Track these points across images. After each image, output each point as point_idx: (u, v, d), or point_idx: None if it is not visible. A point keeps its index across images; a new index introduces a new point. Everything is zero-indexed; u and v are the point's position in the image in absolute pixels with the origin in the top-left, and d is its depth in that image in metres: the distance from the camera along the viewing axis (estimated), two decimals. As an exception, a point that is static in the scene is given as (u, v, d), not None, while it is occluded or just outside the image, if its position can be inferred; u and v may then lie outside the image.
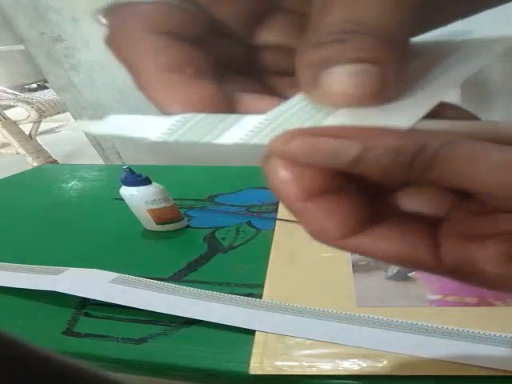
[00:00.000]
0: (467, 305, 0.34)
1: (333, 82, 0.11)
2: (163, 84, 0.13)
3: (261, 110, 0.13)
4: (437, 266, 0.12)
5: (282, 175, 0.12)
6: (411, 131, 0.11)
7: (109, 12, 0.14)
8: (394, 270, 0.39)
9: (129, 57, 0.14)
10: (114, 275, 0.40)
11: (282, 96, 0.15)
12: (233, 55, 0.16)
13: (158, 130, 0.13)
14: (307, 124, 0.12)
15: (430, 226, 0.12)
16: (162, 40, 0.13)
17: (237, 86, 0.15)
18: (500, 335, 0.30)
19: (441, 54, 0.13)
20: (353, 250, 0.12)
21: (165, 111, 0.13)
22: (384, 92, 0.11)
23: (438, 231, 0.12)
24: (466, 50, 0.13)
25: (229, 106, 0.14)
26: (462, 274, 0.12)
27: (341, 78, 0.11)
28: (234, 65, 0.16)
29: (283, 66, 0.16)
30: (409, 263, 0.12)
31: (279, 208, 0.53)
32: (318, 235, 0.12)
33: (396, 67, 0.11)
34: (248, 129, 0.12)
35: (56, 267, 0.42)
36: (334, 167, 0.11)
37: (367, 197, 0.13)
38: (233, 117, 0.13)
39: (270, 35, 0.15)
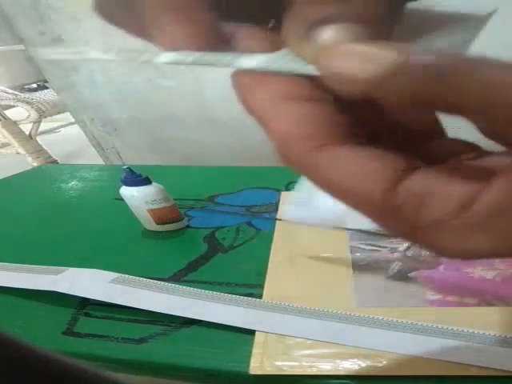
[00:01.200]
0: (467, 305, 0.34)
1: (325, 39, 0.11)
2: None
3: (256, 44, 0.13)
4: (386, 195, 0.10)
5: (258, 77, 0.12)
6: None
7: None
8: (394, 269, 0.39)
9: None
10: (114, 275, 0.40)
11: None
12: None
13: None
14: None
15: (405, 154, 0.11)
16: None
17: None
18: (500, 335, 0.30)
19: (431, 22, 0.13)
20: (315, 167, 0.11)
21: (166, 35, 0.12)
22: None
23: (412, 163, 0.11)
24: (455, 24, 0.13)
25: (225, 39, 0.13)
26: (400, 213, 0.10)
27: (332, 36, 0.11)
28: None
29: None
30: (361, 185, 0.11)
31: (279, 208, 0.53)
32: (284, 143, 0.11)
33: (386, 28, 0.11)
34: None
35: (56, 267, 0.42)
36: (366, 81, 0.10)
37: (345, 114, 0.12)
38: None
39: None
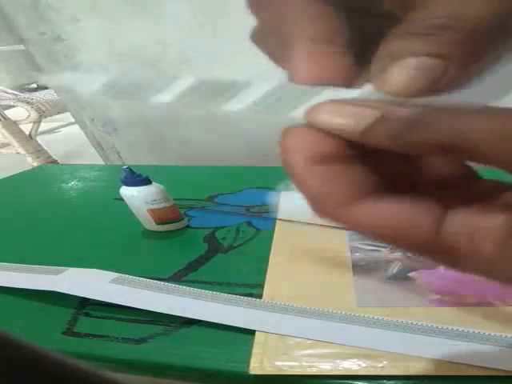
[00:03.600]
0: (467, 305, 0.34)
1: (396, 73, 0.12)
2: (311, 55, 0.13)
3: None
4: (434, 239, 0.11)
5: (296, 138, 0.12)
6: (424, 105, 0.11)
7: None
8: (393, 269, 0.39)
9: (272, 16, 0.14)
10: (114, 275, 0.40)
11: None
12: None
13: None
14: None
15: (437, 197, 0.12)
16: (315, 4, 0.13)
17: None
18: (500, 335, 0.30)
19: None
20: (351, 221, 0.12)
21: (299, 81, 0.13)
22: (441, 87, 0.12)
23: (446, 203, 0.12)
24: None
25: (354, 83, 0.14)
26: (457, 252, 0.11)
27: (404, 70, 0.11)
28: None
29: None
30: (406, 233, 0.11)
31: (279, 208, 0.53)
32: (319, 200, 0.12)
33: (464, 65, 0.12)
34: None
35: (56, 267, 0.42)
36: (352, 133, 0.11)
37: (372, 168, 0.13)
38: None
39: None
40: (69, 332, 0.35)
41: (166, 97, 0.13)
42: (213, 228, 0.51)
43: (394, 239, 0.12)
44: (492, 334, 0.30)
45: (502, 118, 0.10)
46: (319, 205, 0.12)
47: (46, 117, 1.94)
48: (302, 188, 0.12)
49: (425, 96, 0.12)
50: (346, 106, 0.12)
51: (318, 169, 0.12)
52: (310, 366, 0.29)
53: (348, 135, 0.12)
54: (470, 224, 0.11)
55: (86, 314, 0.37)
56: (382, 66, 0.12)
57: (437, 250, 0.11)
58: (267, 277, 0.40)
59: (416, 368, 0.29)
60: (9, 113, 1.90)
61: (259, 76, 0.15)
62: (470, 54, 0.12)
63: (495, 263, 0.11)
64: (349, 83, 0.13)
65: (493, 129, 0.10)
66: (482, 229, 0.11)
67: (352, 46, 0.14)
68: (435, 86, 0.11)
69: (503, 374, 0.27)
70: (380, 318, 0.33)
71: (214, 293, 0.37)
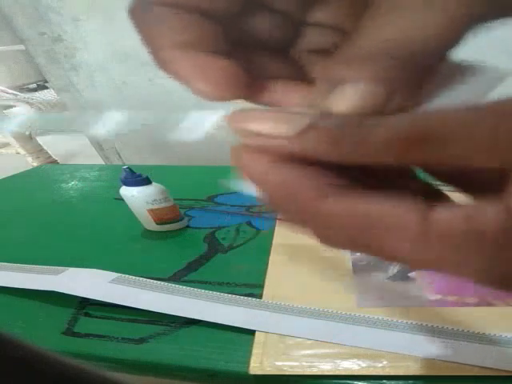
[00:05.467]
0: (467, 305, 0.34)
1: (338, 100, 0.12)
2: (182, 62, 0.13)
3: (290, 98, 0.13)
4: (423, 229, 0.10)
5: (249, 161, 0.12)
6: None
7: None
8: (394, 269, 0.39)
9: (146, 30, 0.13)
10: (114, 275, 0.40)
11: (313, 81, 0.14)
12: (273, 30, 0.15)
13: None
14: None
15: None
16: (176, 13, 0.13)
17: (270, 67, 0.15)
18: (500, 335, 0.30)
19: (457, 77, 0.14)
20: (328, 215, 0.11)
21: (192, 89, 0.13)
22: (386, 111, 0.12)
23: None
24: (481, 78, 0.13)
25: (255, 90, 0.14)
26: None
27: (345, 98, 0.12)
28: (271, 41, 0.15)
29: (325, 47, 0.15)
30: (387, 225, 0.11)
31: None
32: (292, 198, 0.12)
33: (406, 89, 0.12)
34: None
35: (56, 267, 0.42)
36: (283, 139, 0.11)
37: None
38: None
39: (325, 13, 0.15)
40: (69, 332, 0.35)
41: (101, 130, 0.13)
42: (213, 228, 0.51)
43: (371, 232, 0.11)
44: (492, 333, 0.30)
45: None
46: (288, 199, 0.12)
47: (45, 117, 1.94)
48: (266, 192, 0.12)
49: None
50: (274, 112, 0.12)
51: (284, 169, 0.12)
52: (310, 366, 0.29)
53: (279, 142, 0.11)
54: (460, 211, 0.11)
55: (86, 314, 0.37)
56: (324, 91, 0.12)
57: (426, 238, 0.11)
58: (267, 277, 0.40)
59: (416, 368, 0.29)
60: (9, 113, 1.90)
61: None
62: (411, 79, 0.12)
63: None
64: (242, 89, 0.13)
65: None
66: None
67: (234, 53, 0.13)
68: (378, 110, 0.12)
69: (503, 373, 0.27)
70: (380, 317, 0.33)
71: (214, 293, 0.37)
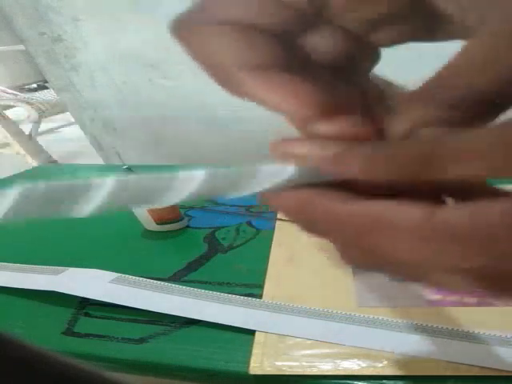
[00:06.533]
0: (467, 305, 0.34)
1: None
2: (259, 83, 0.13)
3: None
4: (427, 228, 0.11)
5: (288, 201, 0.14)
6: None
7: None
8: (394, 270, 0.39)
9: (205, 53, 0.13)
10: (114, 275, 0.40)
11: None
12: (338, 50, 0.14)
13: None
14: None
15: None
16: (243, 32, 0.12)
17: (336, 88, 0.14)
18: (500, 335, 0.30)
19: None
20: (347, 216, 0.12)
21: (279, 111, 0.13)
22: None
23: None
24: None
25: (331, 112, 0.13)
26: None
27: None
28: (336, 61, 0.15)
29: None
30: (392, 223, 0.11)
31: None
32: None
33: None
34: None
35: (56, 267, 0.42)
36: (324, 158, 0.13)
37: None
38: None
39: (389, 35, 0.14)
40: (69, 332, 0.35)
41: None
42: (213, 228, 0.51)
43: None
44: (492, 333, 0.30)
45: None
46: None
47: (46, 117, 1.94)
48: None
49: None
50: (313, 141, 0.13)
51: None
52: (310, 366, 0.29)
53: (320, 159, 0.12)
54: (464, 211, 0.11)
55: (86, 314, 0.37)
56: (403, 130, 0.13)
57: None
58: (267, 277, 0.40)
59: (416, 368, 0.29)
60: (9, 113, 1.90)
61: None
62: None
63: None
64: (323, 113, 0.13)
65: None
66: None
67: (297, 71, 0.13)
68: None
69: (503, 373, 0.27)
70: (380, 318, 0.33)
71: (214, 293, 0.37)
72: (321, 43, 0.14)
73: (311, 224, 0.13)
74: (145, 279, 0.39)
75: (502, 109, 0.12)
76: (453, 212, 0.11)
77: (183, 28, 0.13)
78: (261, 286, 0.38)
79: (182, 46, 0.13)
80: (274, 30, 0.13)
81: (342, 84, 0.15)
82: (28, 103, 1.87)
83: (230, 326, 0.33)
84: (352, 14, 0.13)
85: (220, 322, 0.33)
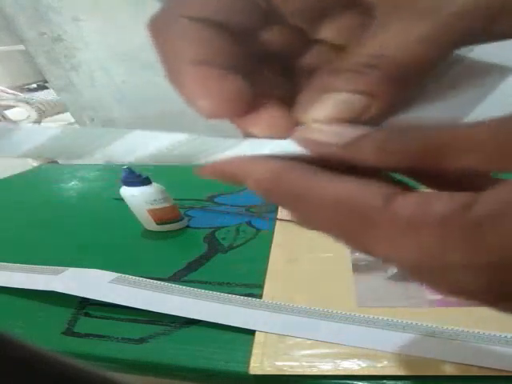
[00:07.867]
0: (467, 305, 0.34)
1: (320, 106, 0.13)
2: (191, 77, 0.13)
3: (273, 125, 0.14)
4: (385, 212, 0.11)
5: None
6: None
7: None
8: (394, 269, 0.39)
9: (165, 43, 0.13)
10: (114, 275, 0.40)
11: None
12: (283, 46, 0.15)
13: None
14: None
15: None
16: (197, 28, 0.13)
17: (273, 82, 0.15)
18: (500, 335, 0.30)
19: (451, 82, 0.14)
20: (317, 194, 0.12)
21: (193, 105, 0.13)
22: (364, 121, 0.13)
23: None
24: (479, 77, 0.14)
25: (251, 109, 0.14)
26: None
27: (327, 105, 0.13)
28: (278, 57, 0.15)
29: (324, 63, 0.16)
30: (352, 206, 0.11)
31: (279, 208, 0.53)
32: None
33: (386, 101, 0.13)
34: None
35: (56, 267, 0.42)
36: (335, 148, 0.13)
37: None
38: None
39: (331, 31, 0.15)
40: (69, 332, 0.35)
41: None
42: (213, 228, 0.51)
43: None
44: (492, 333, 0.30)
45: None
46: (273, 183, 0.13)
47: (46, 117, 1.94)
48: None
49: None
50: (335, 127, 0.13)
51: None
52: (310, 366, 0.29)
53: (331, 150, 0.12)
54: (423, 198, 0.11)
55: (86, 314, 0.37)
56: (309, 99, 0.13)
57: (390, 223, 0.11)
58: (267, 277, 0.40)
59: (416, 368, 0.29)
60: (9, 113, 1.90)
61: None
62: (392, 91, 0.12)
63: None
64: (245, 107, 0.13)
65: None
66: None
67: (247, 70, 0.14)
68: (356, 119, 0.12)
69: (504, 373, 0.27)
70: (380, 318, 0.33)
71: (214, 293, 0.37)
72: (272, 40, 0.15)
73: (281, 196, 0.13)
74: (145, 279, 0.39)
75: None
76: (413, 199, 0.10)
77: (152, 24, 0.14)
78: (261, 286, 0.39)
79: (151, 40, 0.14)
80: (232, 26, 0.13)
81: (283, 82, 0.15)
82: (28, 103, 1.87)
83: (230, 326, 0.33)
84: (291, 5, 0.14)
85: (220, 322, 0.33)
